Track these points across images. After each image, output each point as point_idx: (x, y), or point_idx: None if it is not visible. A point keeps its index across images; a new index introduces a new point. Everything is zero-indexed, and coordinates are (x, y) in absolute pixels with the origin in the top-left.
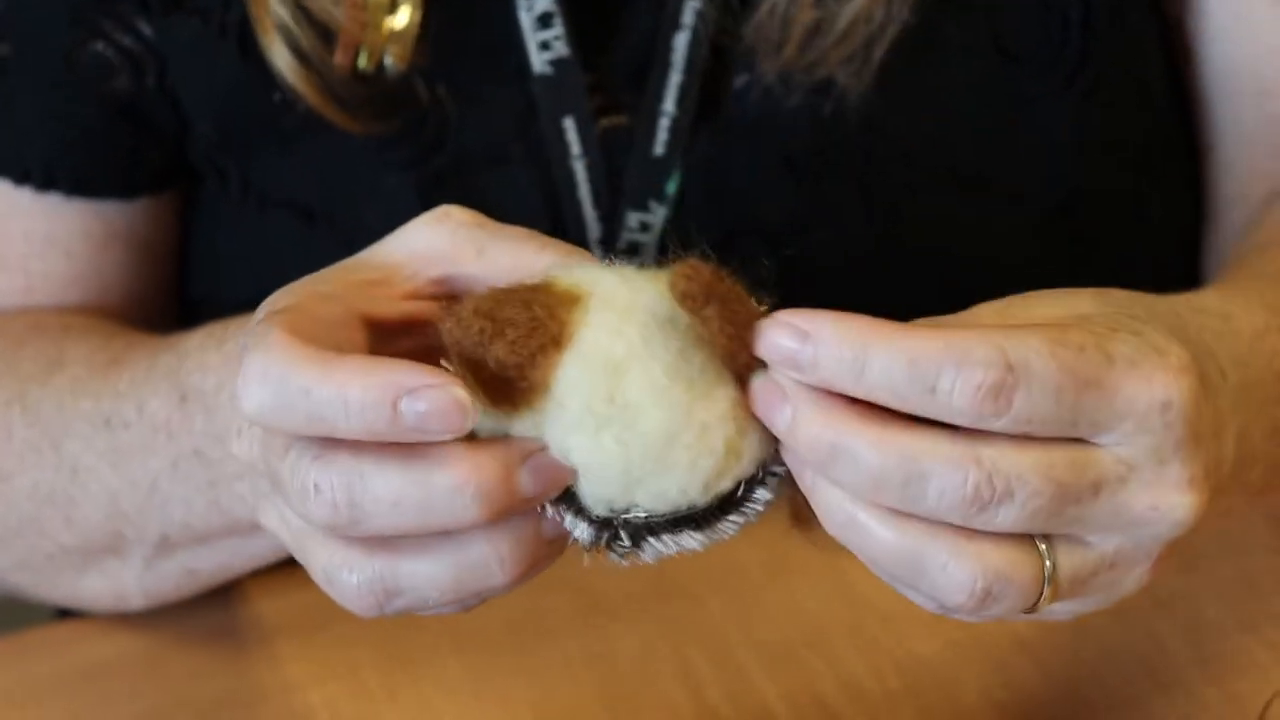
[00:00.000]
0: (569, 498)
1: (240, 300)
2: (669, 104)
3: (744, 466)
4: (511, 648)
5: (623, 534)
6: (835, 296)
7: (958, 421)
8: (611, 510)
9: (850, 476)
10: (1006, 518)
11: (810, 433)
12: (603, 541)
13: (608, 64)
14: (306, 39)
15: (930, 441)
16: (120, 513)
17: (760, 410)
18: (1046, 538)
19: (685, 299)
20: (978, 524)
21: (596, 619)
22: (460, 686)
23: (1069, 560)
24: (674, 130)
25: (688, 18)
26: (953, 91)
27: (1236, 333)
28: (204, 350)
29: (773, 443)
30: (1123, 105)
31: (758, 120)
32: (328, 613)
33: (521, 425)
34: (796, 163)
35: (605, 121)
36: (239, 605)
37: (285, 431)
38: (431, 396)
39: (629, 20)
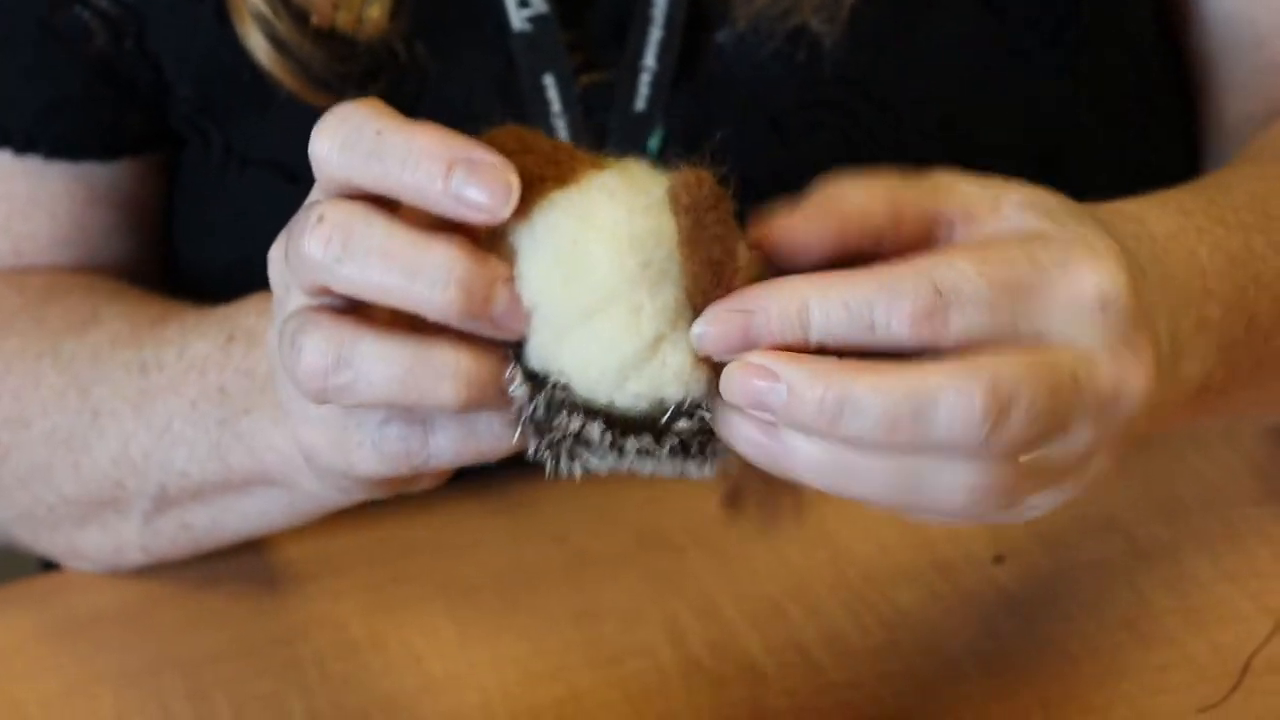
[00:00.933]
0: (519, 354)
1: (227, 263)
2: (650, 59)
3: (666, 377)
4: (498, 600)
5: (543, 406)
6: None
7: (902, 342)
8: (544, 368)
9: (860, 424)
10: (1018, 426)
11: (814, 396)
12: (532, 413)
13: (587, 20)
14: (283, 26)
15: (928, 369)
16: (128, 459)
17: (747, 396)
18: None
19: (678, 208)
20: (990, 442)
21: (582, 572)
22: (447, 639)
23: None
24: (655, 85)
25: None
26: (936, 45)
27: (1151, 235)
28: (263, 298)
29: (706, 383)
30: (1110, 60)
31: (739, 75)
32: (315, 566)
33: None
34: (779, 118)
35: (586, 78)
36: (226, 559)
37: (338, 170)
38: (488, 171)
39: None
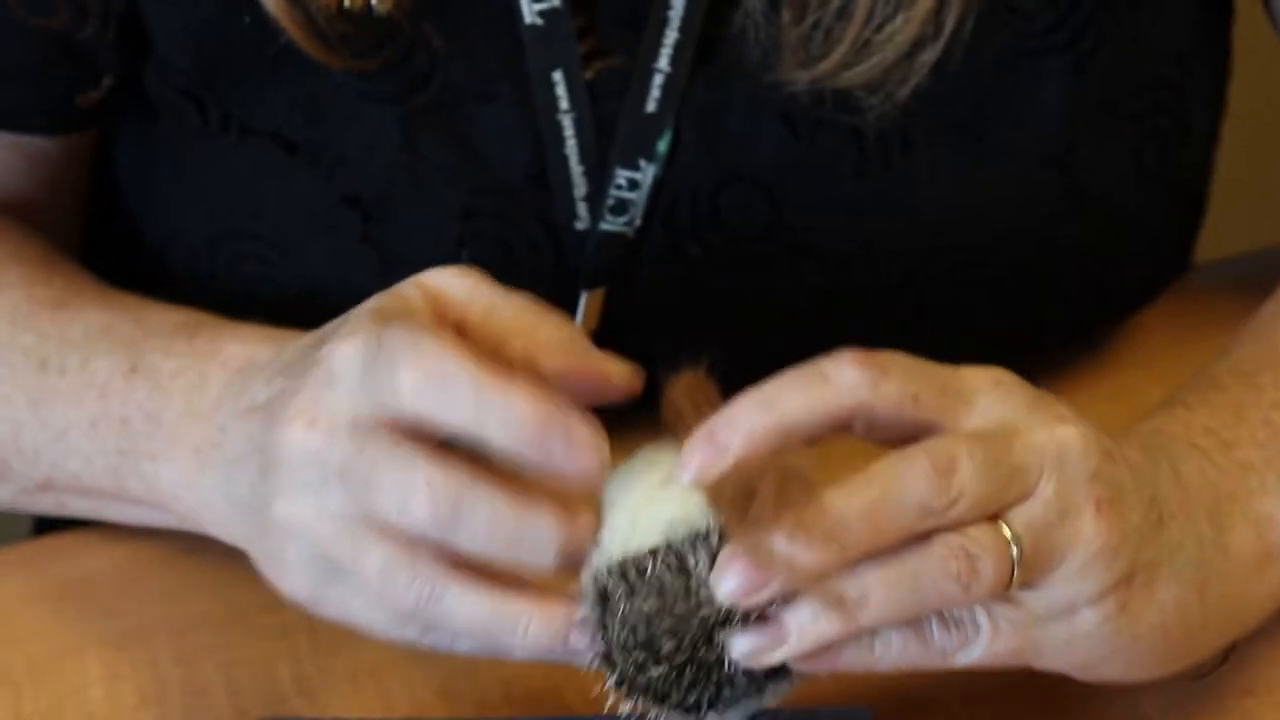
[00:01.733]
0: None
1: (211, 235)
2: (663, 62)
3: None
4: None
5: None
6: (830, 246)
7: (861, 391)
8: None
9: (847, 538)
10: (970, 479)
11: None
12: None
13: (599, 7)
14: None
15: (877, 467)
16: (17, 446)
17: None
18: (996, 517)
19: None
20: (957, 501)
21: None
22: None
23: (1019, 518)
24: (667, 88)
25: None
26: (951, 42)
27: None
28: (172, 338)
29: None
30: (1123, 69)
31: (753, 66)
32: None
33: None
34: (791, 111)
35: (595, 66)
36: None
37: (425, 411)
38: (582, 445)
39: None
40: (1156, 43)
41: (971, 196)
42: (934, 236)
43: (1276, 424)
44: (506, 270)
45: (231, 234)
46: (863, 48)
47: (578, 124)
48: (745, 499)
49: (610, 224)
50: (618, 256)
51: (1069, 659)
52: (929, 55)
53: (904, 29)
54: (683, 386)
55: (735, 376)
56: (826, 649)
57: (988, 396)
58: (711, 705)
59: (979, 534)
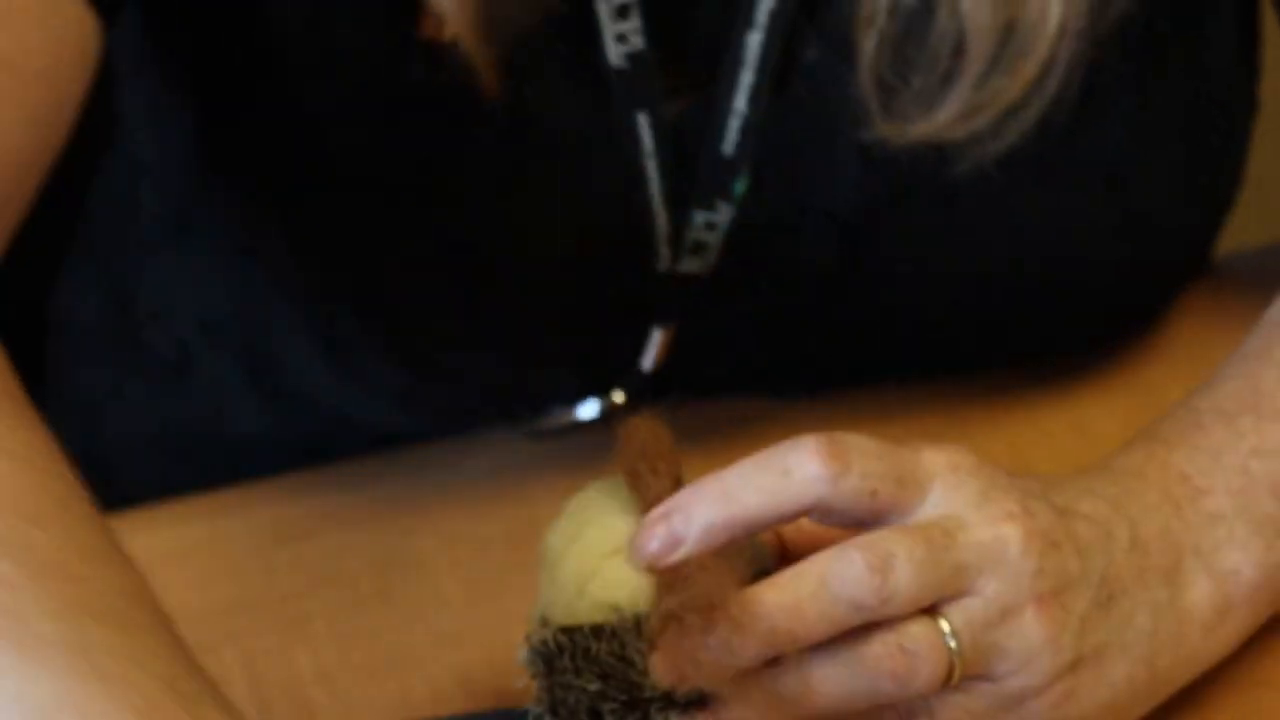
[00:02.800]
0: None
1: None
2: (740, 103)
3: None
4: (507, 557)
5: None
6: (895, 274)
7: (820, 488)
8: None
9: (776, 623)
10: (905, 577)
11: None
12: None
13: (678, 53)
14: None
15: (812, 562)
16: None
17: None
18: (933, 610)
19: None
20: (890, 599)
21: None
22: (455, 596)
23: (958, 614)
24: (744, 130)
25: (761, 16)
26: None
27: (1111, 470)
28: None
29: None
30: (1181, 92)
31: (828, 99)
32: (324, 522)
33: None
34: (869, 145)
35: (678, 104)
36: (232, 515)
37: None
38: None
39: (701, 13)
40: (1210, 61)
41: (1036, 221)
42: (994, 261)
43: (1253, 472)
44: (585, 309)
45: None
46: (969, 112)
47: (662, 168)
48: (695, 587)
49: (687, 265)
50: (693, 295)
51: None
52: (1031, 113)
53: (1009, 91)
54: (639, 442)
55: (786, 388)
56: None
57: (941, 484)
58: None
59: (916, 630)
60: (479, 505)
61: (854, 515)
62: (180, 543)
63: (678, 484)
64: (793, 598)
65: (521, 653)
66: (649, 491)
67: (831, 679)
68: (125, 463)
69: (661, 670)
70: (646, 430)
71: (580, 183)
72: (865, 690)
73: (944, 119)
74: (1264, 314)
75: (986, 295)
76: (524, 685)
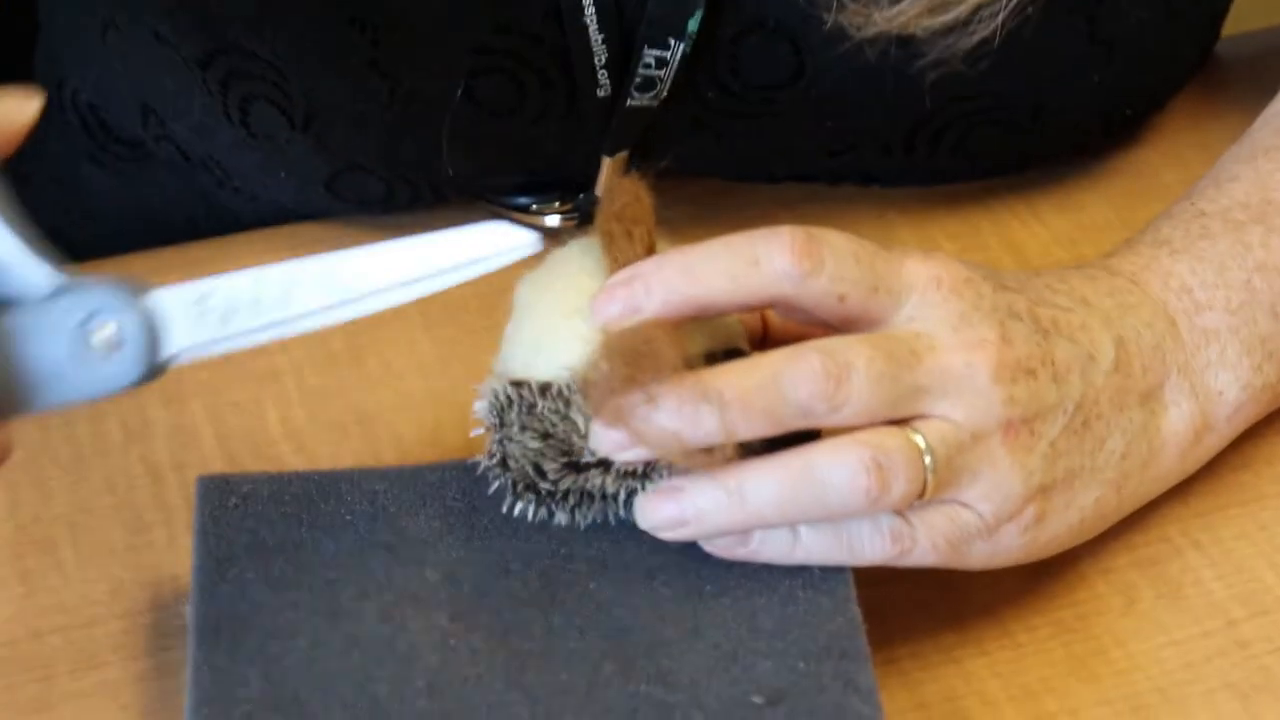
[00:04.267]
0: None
1: (208, 51)
2: None
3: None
4: (480, 319)
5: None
6: (851, 96)
7: (785, 284)
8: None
9: (717, 418)
10: (860, 391)
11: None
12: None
13: None
14: None
15: (770, 356)
16: None
17: (663, 522)
18: (904, 423)
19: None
20: (840, 409)
21: None
22: (427, 356)
23: (932, 431)
24: None
25: None
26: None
27: (1110, 271)
28: None
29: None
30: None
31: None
32: None
33: None
34: None
35: None
36: (205, 268)
37: None
38: None
39: None
40: None
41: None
42: (954, 84)
43: (1255, 288)
44: (520, 113)
45: (227, 50)
46: (936, 6)
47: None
48: (640, 356)
49: (637, 100)
50: (643, 127)
51: (990, 564)
52: (999, 8)
53: None
54: (619, 204)
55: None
56: (753, 539)
57: (920, 298)
58: (606, 508)
59: (891, 443)
60: None
61: (821, 316)
62: None
63: (650, 251)
64: (740, 387)
65: (476, 404)
66: (620, 255)
67: (790, 484)
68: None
69: (595, 436)
70: (628, 193)
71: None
72: (832, 503)
73: (911, 10)
74: (1270, 105)
75: (952, 120)
76: (479, 435)
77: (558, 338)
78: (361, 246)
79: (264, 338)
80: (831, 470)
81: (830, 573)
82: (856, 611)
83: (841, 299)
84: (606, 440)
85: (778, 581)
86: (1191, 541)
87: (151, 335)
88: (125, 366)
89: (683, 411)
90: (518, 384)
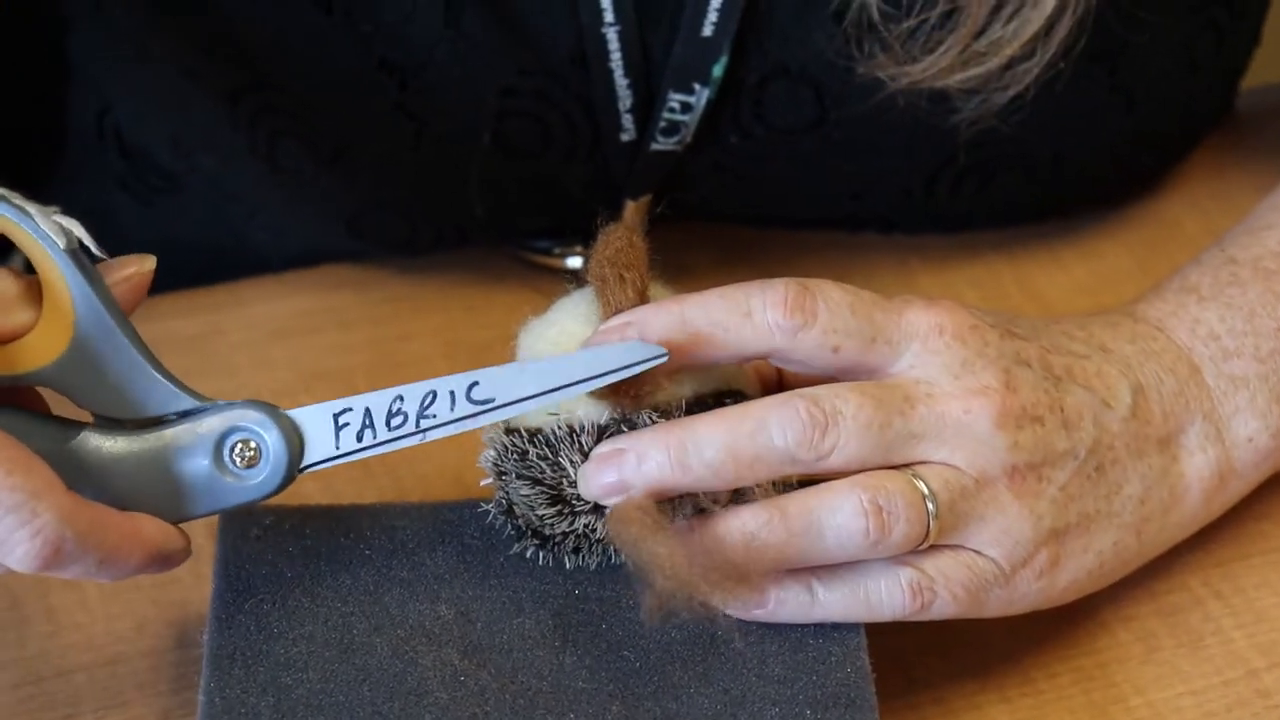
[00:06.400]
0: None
1: (237, 86)
2: None
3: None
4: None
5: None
6: (871, 140)
7: (777, 337)
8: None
9: (708, 457)
10: (847, 438)
11: (655, 450)
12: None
13: None
14: None
15: (758, 403)
16: None
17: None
18: (906, 469)
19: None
20: (826, 456)
21: None
22: None
23: (933, 476)
24: (725, 10)
25: None
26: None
27: (1134, 317)
28: None
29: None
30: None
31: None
32: (324, 320)
33: None
34: (839, 6)
35: None
36: (225, 311)
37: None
38: None
39: None
40: None
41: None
42: (972, 129)
43: None
44: (545, 155)
45: (257, 86)
46: (967, 59)
47: (622, 38)
48: (631, 400)
49: (661, 144)
50: (666, 171)
51: (1008, 611)
52: (1034, 65)
53: (1010, 45)
54: (613, 249)
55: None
56: (769, 601)
57: (921, 346)
58: (608, 552)
59: (891, 486)
60: (475, 311)
61: (817, 368)
62: (174, 336)
63: (643, 297)
64: (727, 435)
65: (481, 455)
66: (613, 299)
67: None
68: None
69: (584, 481)
70: (621, 239)
71: (537, 19)
72: (834, 544)
73: (943, 62)
74: None
75: (974, 165)
76: (486, 484)
77: None
78: (495, 367)
79: (397, 447)
80: (829, 513)
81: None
82: (866, 661)
83: (836, 350)
84: (594, 486)
85: (789, 629)
86: (1213, 591)
87: (289, 451)
88: (263, 480)
89: (670, 457)
90: (510, 432)
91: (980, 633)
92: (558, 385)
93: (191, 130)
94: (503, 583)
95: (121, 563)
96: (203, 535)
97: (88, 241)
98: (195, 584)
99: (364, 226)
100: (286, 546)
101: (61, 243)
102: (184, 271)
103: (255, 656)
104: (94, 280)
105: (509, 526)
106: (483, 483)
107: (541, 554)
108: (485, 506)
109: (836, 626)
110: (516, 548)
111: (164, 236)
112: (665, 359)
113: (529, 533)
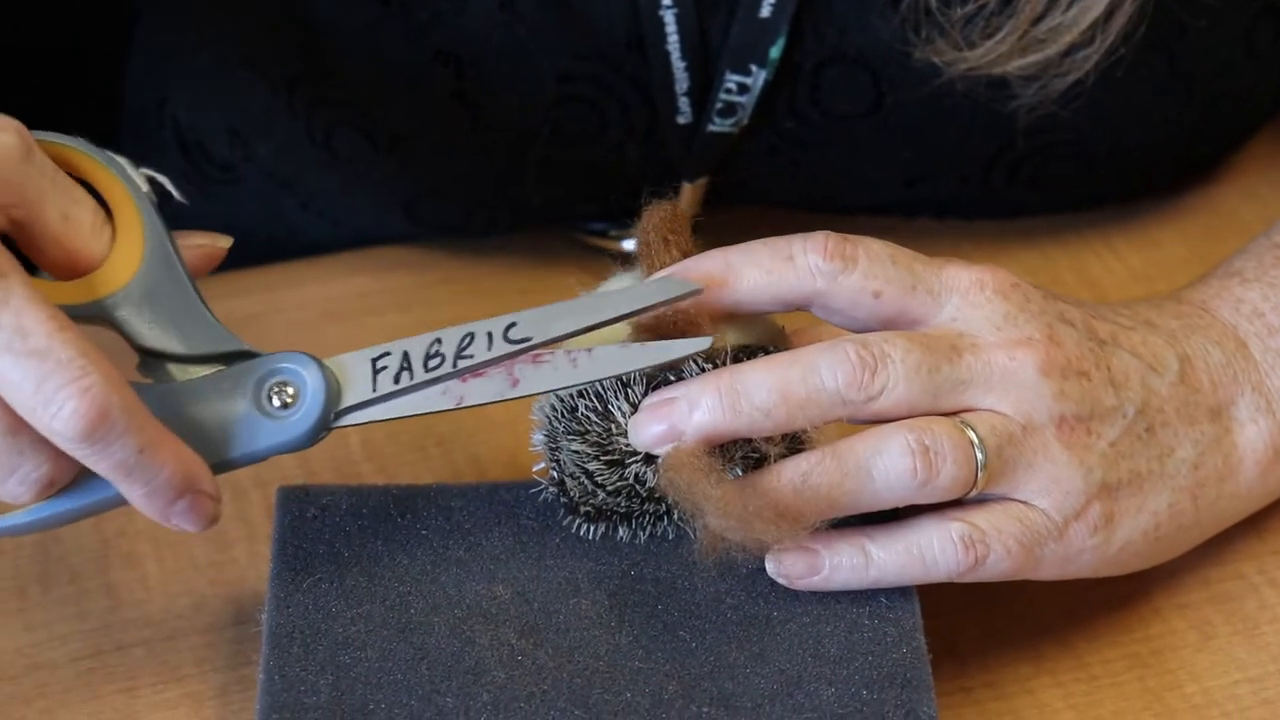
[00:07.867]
0: None
1: (293, 75)
2: None
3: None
4: None
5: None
6: (927, 129)
7: (818, 280)
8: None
9: (759, 400)
10: (895, 380)
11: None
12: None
13: None
14: None
15: (808, 348)
16: None
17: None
18: (954, 416)
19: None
20: (876, 397)
21: None
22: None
23: (981, 422)
24: None
25: None
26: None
27: (1177, 299)
28: None
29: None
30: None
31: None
32: (374, 302)
33: None
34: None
35: None
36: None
37: None
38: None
39: None
40: None
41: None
42: (1031, 115)
43: None
44: (601, 140)
45: (314, 75)
46: (1026, 45)
47: (680, 20)
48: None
49: (718, 126)
50: (722, 153)
51: (1065, 571)
52: (1093, 52)
53: (1070, 31)
54: (657, 218)
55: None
56: (824, 565)
57: (962, 299)
58: (660, 521)
59: (939, 429)
60: (530, 294)
61: (858, 317)
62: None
63: (687, 258)
64: (777, 377)
65: (533, 434)
66: (657, 259)
67: (839, 474)
68: None
69: (635, 430)
70: (666, 210)
71: (593, 5)
72: (883, 485)
73: (1001, 47)
74: None
75: (1030, 153)
76: (539, 469)
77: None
78: (532, 309)
79: (431, 405)
80: (876, 454)
81: (897, 601)
82: (922, 641)
83: (877, 295)
84: (646, 435)
85: (844, 609)
86: (1268, 579)
87: (327, 391)
88: (299, 418)
89: (722, 402)
90: (561, 396)
91: (1033, 615)
92: (594, 321)
93: (248, 119)
94: (559, 563)
95: (157, 466)
96: (260, 514)
97: (170, 188)
98: (251, 563)
99: (420, 213)
100: (344, 527)
101: (141, 184)
102: (238, 261)
103: (314, 635)
104: (164, 223)
105: (560, 498)
106: (535, 467)
107: (593, 528)
108: (540, 486)
109: (892, 606)
110: (566, 520)
111: (219, 227)
112: (700, 292)
113: (582, 504)
